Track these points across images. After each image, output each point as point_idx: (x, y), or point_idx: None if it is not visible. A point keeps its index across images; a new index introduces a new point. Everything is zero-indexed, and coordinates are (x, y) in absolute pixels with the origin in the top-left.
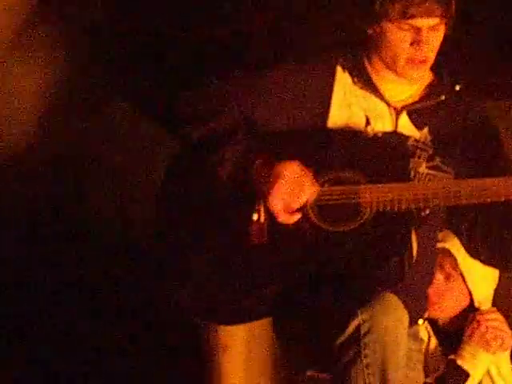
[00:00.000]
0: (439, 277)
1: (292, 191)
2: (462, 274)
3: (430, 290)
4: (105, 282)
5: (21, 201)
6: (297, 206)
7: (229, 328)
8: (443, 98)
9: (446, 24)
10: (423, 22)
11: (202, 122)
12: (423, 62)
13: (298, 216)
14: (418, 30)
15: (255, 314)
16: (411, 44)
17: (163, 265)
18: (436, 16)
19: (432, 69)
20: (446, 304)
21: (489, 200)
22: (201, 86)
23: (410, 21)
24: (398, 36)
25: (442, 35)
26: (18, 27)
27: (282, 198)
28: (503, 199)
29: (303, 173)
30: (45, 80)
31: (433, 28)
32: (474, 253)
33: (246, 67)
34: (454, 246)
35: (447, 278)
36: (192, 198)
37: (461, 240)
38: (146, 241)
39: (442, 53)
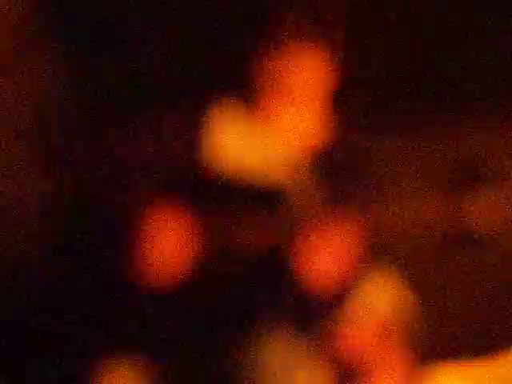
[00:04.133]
0: None
1: (170, 242)
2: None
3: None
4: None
5: None
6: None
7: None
8: (338, 149)
9: (327, 63)
10: (301, 63)
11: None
12: (303, 100)
13: (177, 272)
14: (295, 71)
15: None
16: (290, 85)
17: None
18: (314, 55)
19: (329, 114)
20: None
21: None
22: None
23: (287, 61)
24: (277, 78)
25: (325, 73)
26: None
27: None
28: None
29: (181, 219)
30: None
31: (310, 68)
32: None
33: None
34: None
35: None
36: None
37: None
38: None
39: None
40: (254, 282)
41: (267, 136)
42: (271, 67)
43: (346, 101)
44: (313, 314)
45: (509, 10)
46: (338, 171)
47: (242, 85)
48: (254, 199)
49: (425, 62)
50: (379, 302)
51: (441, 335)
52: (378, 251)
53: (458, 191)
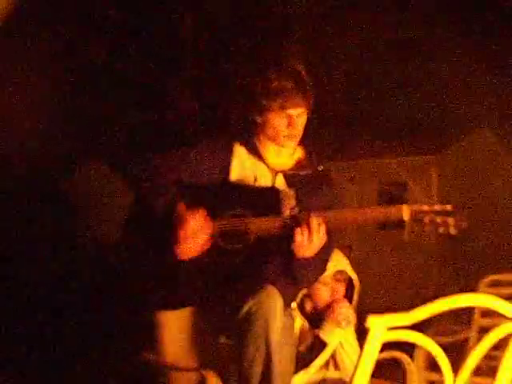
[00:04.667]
0: (337, 286)
1: (193, 233)
2: (350, 282)
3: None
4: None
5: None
6: (198, 243)
7: (166, 312)
8: (310, 172)
9: (307, 112)
10: (294, 112)
11: (149, 181)
12: (295, 136)
13: (199, 250)
14: (290, 117)
15: (183, 303)
16: (287, 126)
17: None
18: (301, 107)
19: (303, 149)
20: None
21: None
22: (146, 158)
23: (286, 111)
24: (278, 122)
25: (306, 118)
26: None
27: (185, 241)
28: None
29: (202, 219)
30: None
31: (299, 115)
32: None
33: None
34: (347, 266)
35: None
36: (143, 226)
37: None
38: (116, 252)
39: (309, 137)
40: (262, 251)
41: (263, 162)
42: (267, 121)
43: (313, 138)
44: (299, 271)
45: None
46: (308, 183)
47: (249, 131)
48: (257, 198)
49: (364, 112)
50: (339, 266)
51: (376, 292)
52: (335, 235)
53: (386, 197)
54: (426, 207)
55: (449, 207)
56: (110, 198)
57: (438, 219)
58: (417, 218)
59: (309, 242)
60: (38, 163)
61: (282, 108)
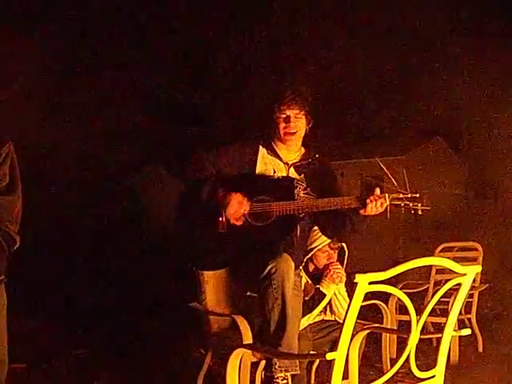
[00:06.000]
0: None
1: (236, 207)
2: (342, 248)
3: (323, 254)
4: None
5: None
6: (239, 214)
7: (208, 272)
8: (310, 160)
9: (305, 115)
10: (289, 112)
11: (194, 174)
12: (292, 134)
13: (241, 219)
14: (288, 117)
15: (220, 266)
16: (285, 123)
17: (178, 244)
18: (296, 110)
19: (305, 147)
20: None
21: (329, 208)
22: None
23: (283, 111)
24: (280, 120)
25: (304, 121)
26: None
27: (231, 211)
28: (337, 207)
29: (241, 198)
30: None
31: (296, 116)
32: (323, 233)
33: (215, 145)
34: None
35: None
36: (191, 209)
37: (318, 228)
38: (169, 230)
39: (309, 139)
40: (280, 227)
41: (279, 158)
42: (273, 120)
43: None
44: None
45: None
46: (314, 175)
47: (268, 136)
48: (276, 186)
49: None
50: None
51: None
52: None
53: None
54: (401, 195)
55: (417, 195)
56: (165, 192)
57: (410, 204)
58: (395, 202)
59: (380, 206)
60: (113, 169)
61: (281, 109)
